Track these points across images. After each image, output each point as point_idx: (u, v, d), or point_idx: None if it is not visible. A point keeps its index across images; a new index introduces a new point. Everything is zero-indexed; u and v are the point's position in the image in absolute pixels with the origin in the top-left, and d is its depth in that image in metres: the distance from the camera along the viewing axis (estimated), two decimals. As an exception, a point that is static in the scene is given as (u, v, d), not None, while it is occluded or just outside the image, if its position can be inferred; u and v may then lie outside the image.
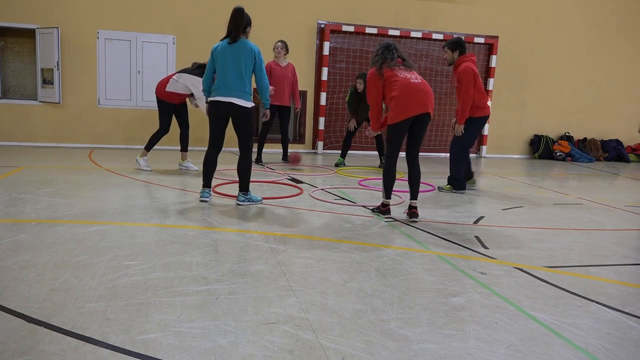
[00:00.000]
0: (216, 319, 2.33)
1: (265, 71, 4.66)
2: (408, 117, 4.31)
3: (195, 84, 6.03)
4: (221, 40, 4.63)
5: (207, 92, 4.72)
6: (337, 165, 7.64)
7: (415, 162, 4.53)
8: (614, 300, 2.84)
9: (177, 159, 6.77)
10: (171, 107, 6.22)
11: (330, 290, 2.75)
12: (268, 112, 4.95)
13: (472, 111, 5.66)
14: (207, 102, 4.73)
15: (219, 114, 4.60)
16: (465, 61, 5.63)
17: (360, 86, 7.23)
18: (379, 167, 7.80)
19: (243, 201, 4.71)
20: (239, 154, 4.68)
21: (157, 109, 6.25)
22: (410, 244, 3.72)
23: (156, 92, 6.20)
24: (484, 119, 5.79)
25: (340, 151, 7.90)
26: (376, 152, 8.19)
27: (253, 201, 4.76)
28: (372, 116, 4.63)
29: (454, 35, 9.60)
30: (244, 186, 4.72)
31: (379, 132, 4.77)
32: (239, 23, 4.49)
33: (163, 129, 6.26)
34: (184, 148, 6.52)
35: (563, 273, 3.26)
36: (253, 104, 4.62)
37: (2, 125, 8.17)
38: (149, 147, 6.28)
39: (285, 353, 2.06)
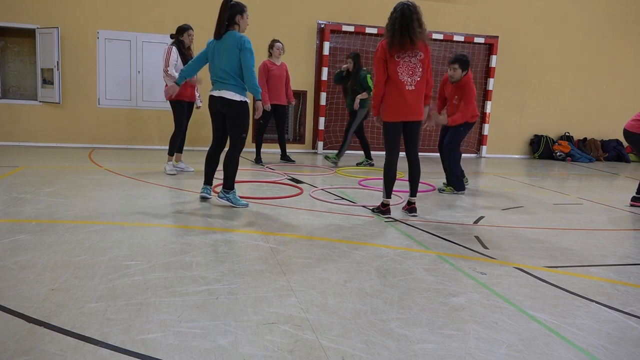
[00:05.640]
0: (216, 319, 2.33)
1: (252, 62, 4.35)
2: (397, 120, 4.42)
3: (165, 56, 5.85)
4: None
5: (182, 77, 4.68)
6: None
7: (414, 160, 4.57)
8: (614, 300, 2.84)
9: (184, 159, 6.69)
10: (183, 106, 6.02)
11: (330, 290, 2.75)
12: (260, 104, 4.53)
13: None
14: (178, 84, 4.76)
15: (215, 109, 4.55)
16: (469, 79, 5.67)
17: (350, 66, 7.37)
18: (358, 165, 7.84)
19: (222, 198, 4.59)
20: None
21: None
22: (410, 244, 3.72)
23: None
24: (474, 123, 5.84)
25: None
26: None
27: (232, 202, 4.56)
28: (374, 98, 4.47)
29: (454, 36, 9.62)
30: (228, 183, 4.55)
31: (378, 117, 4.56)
32: (223, 17, 4.37)
33: (178, 129, 6.09)
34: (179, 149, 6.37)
35: (563, 273, 3.26)
36: (245, 98, 4.45)
37: (2, 125, 8.17)
38: (180, 149, 6.15)
39: (285, 353, 2.06)
